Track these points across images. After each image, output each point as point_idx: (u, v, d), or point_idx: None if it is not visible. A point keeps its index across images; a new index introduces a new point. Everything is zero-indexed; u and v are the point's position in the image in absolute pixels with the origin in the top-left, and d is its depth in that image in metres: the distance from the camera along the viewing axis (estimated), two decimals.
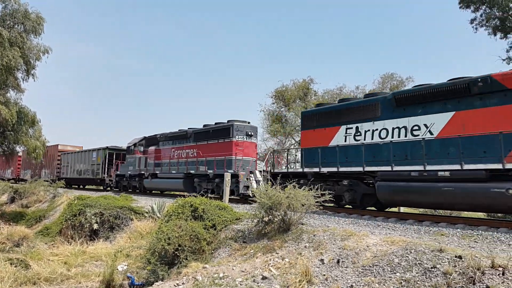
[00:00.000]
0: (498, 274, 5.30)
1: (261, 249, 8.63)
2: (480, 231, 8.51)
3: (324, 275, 6.70)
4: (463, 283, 5.37)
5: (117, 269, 10.71)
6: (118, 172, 27.27)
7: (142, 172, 24.24)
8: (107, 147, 29.62)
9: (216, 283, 7.14)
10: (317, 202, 9.30)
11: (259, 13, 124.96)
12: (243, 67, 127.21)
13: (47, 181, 28.20)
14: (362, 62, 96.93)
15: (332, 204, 12.84)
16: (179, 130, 22.86)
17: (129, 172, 25.72)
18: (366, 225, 10.11)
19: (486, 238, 7.93)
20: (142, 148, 25.18)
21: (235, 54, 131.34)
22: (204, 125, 21.29)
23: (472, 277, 5.35)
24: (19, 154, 39.16)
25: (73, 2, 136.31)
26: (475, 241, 7.72)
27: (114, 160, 29.08)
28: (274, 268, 7.41)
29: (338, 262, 6.99)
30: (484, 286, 5.17)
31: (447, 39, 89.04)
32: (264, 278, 7.04)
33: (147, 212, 14.71)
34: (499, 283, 5.14)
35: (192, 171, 20.00)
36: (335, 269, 6.81)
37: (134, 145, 25.69)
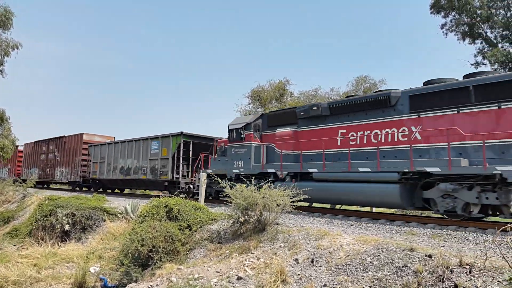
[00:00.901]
0: (466, 272, 5.49)
1: (236, 249, 8.65)
2: (450, 231, 8.79)
3: (299, 274, 6.78)
4: (433, 281, 5.55)
5: (89, 271, 10.49)
6: (208, 171, 16.57)
7: (271, 171, 14.29)
8: (181, 132, 19.64)
9: (190, 284, 7.11)
10: None
11: (246, 15, 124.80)
12: (230, 67, 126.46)
13: (16, 180, 26.60)
14: (337, 64, 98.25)
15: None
16: (347, 97, 14.38)
17: (235, 171, 15.63)
18: (340, 224, 10.27)
19: (455, 237, 8.19)
20: (259, 134, 15.65)
21: (223, 53, 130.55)
22: (426, 82, 11.44)
23: (441, 275, 5.53)
24: (19, 148, 33.50)
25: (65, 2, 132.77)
26: (445, 240, 7.96)
27: (190, 152, 19.54)
28: (250, 268, 7.44)
29: (312, 261, 7.08)
30: (453, 284, 5.35)
31: (426, 41, 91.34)
32: (239, 278, 7.06)
33: (120, 213, 14.45)
34: (466, 281, 5.33)
35: (433, 169, 9.97)
36: (309, 269, 6.89)
37: (245, 126, 15.71)
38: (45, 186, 32.97)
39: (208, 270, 7.75)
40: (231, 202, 9.61)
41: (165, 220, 10.37)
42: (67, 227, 14.44)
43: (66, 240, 14.11)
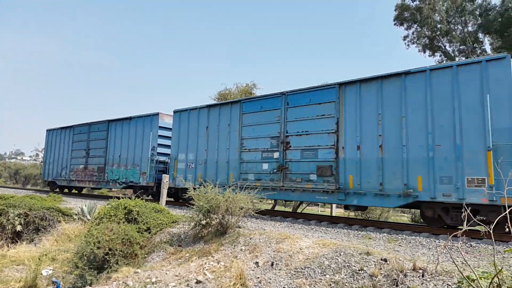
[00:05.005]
0: (419, 276, 5.67)
1: (196, 252, 8.54)
2: (404, 235, 9.06)
3: (258, 277, 6.77)
4: (388, 285, 5.69)
5: (41, 274, 10.03)
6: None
7: None
8: None
9: None
10: None
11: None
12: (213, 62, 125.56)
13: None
14: (304, 68, 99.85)
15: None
16: None
17: None
18: (300, 228, 10.37)
19: (410, 242, 8.45)
20: None
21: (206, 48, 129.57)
22: None
23: (395, 279, 5.69)
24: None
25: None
26: (400, 245, 8.20)
27: None
28: (209, 272, 7.36)
29: (272, 264, 7.09)
30: None
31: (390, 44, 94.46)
32: (198, 282, 6.96)
33: (76, 214, 13.96)
34: (418, 284, 5.49)
35: None
36: (269, 272, 6.90)
37: None
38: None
39: (166, 273, 7.60)
40: (194, 204, 9.50)
41: (124, 223, 10.09)
42: (19, 228, 13.74)
43: (17, 242, 13.44)
